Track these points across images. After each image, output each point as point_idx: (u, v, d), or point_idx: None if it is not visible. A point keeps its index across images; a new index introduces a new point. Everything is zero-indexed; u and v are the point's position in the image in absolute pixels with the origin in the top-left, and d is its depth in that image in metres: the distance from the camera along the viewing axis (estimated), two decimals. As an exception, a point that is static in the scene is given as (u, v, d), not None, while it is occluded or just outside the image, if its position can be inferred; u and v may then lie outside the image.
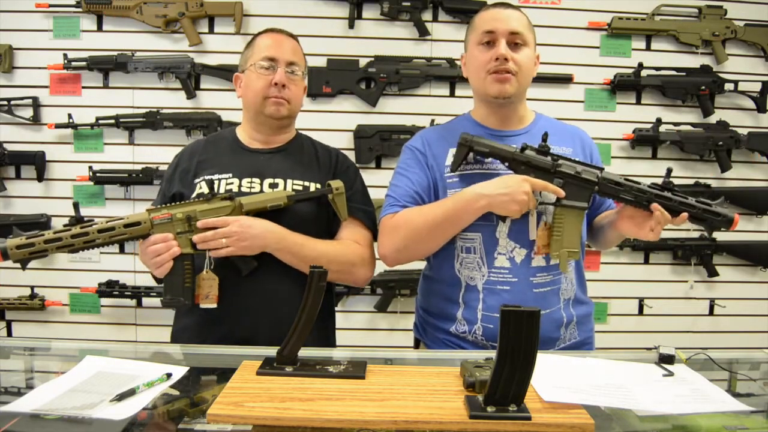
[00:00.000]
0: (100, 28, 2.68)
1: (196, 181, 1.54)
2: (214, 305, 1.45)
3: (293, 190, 1.52)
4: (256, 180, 1.53)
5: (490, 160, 1.46)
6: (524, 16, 1.51)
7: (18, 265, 1.36)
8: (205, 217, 1.43)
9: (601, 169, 1.44)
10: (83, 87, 2.68)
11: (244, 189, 1.51)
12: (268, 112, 1.54)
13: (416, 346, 1.67)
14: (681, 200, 1.40)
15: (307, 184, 1.55)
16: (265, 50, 1.54)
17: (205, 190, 1.49)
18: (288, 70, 1.54)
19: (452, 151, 1.48)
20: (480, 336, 1.45)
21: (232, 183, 1.52)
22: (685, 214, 1.40)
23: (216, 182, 1.50)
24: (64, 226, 1.38)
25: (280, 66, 1.53)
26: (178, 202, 1.47)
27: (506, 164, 1.44)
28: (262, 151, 1.59)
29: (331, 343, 1.62)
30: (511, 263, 1.44)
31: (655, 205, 1.39)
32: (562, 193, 1.40)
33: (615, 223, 1.49)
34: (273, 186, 1.53)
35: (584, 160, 1.48)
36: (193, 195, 1.51)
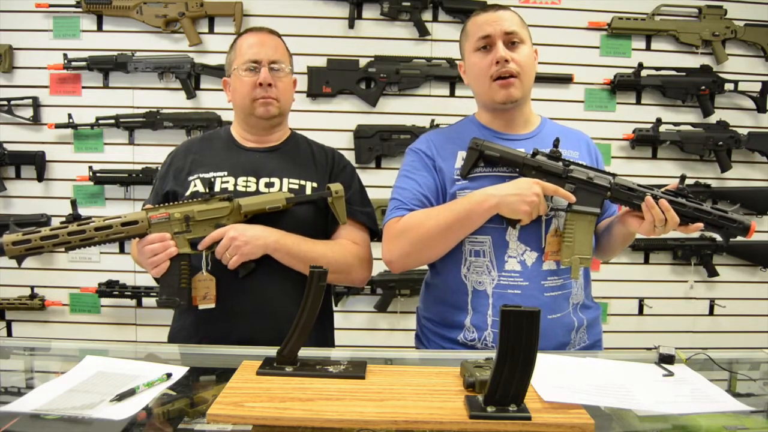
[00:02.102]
0: (100, 28, 2.68)
1: (190, 178, 1.53)
2: (213, 305, 1.45)
3: (289, 189, 1.52)
4: (252, 179, 1.52)
5: None
6: (516, 14, 1.48)
7: (15, 262, 1.34)
8: (202, 218, 1.43)
9: (614, 175, 1.42)
10: (83, 87, 2.68)
11: (239, 188, 1.51)
12: (258, 113, 1.53)
13: None
14: (696, 206, 1.37)
15: (303, 183, 1.54)
16: (247, 52, 1.53)
17: (200, 188, 1.48)
18: (273, 67, 1.53)
19: (461, 154, 1.46)
20: (490, 343, 1.41)
21: (227, 181, 1.51)
22: (699, 224, 1.37)
23: (212, 181, 1.49)
24: (61, 223, 1.36)
25: (263, 66, 1.51)
26: (175, 202, 1.46)
27: (517, 170, 1.41)
28: (257, 150, 1.59)
29: (329, 343, 1.61)
30: (522, 266, 1.41)
31: (644, 205, 1.35)
32: (572, 198, 1.38)
33: (621, 218, 1.45)
34: (269, 185, 1.52)
35: (591, 164, 1.46)
36: (187, 193, 1.50)
